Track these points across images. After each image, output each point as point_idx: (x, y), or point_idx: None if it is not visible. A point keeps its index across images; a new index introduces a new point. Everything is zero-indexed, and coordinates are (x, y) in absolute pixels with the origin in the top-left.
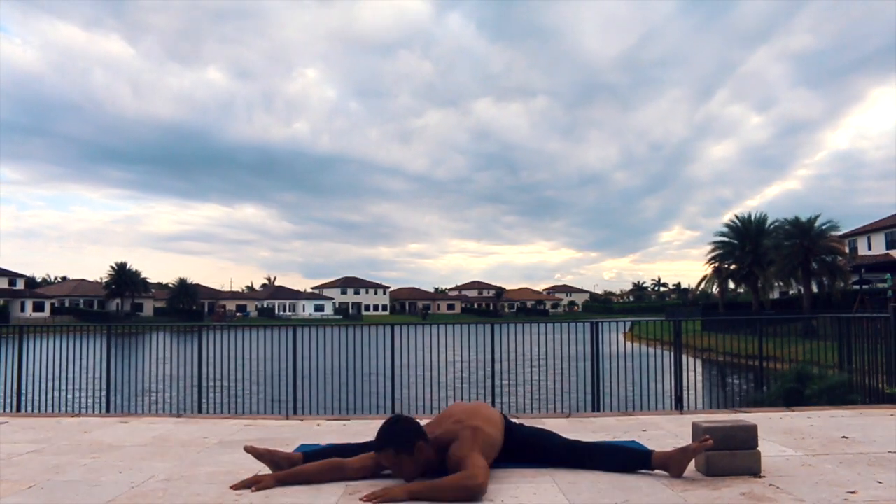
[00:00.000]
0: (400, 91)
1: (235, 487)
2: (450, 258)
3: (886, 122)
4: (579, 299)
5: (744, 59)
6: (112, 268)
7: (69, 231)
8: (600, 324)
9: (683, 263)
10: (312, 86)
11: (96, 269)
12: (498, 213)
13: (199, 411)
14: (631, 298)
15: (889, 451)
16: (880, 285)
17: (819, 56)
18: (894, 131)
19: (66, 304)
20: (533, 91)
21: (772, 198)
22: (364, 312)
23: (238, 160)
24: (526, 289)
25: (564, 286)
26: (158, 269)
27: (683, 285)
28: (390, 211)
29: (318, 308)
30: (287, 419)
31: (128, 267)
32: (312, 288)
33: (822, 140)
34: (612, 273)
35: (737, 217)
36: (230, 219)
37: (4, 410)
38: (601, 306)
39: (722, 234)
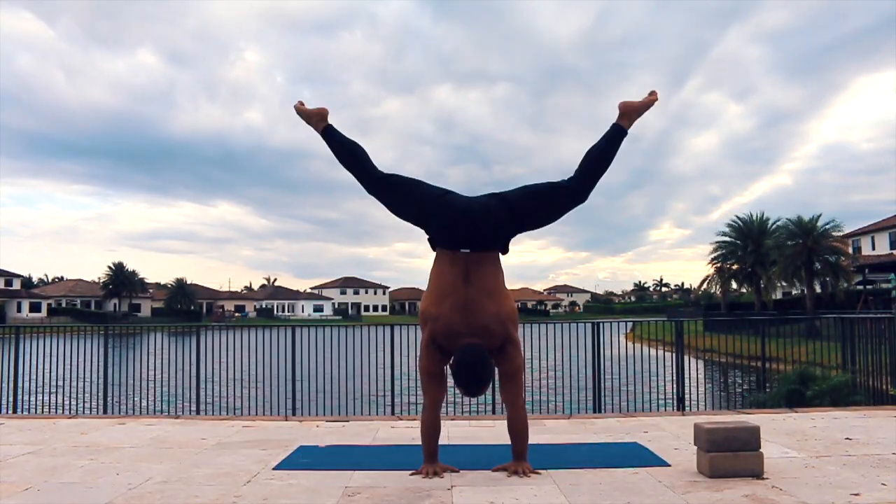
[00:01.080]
0: (351, 77)
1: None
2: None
3: (873, 112)
4: (580, 299)
5: (715, 39)
6: (109, 268)
7: (42, 229)
8: (601, 324)
9: (676, 263)
10: (255, 71)
11: (73, 269)
12: None
13: (197, 412)
14: (632, 298)
15: (893, 453)
16: (884, 285)
17: (795, 35)
18: (882, 121)
19: (63, 305)
20: (492, 77)
21: (761, 194)
22: (364, 313)
23: (197, 153)
24: (526, 289)
25: (565, 286)
26: (144, 269)
27: (678, 284)
28: (367, 208)
29: (318, 308)
30: (286, 420)
31: (125, 267)
32: (311, 288)
33: (807, 131)
34: (606, 273)
35: (738, 217)
36: (207, 216)
37: (0, 412)
38: (602, 306)
39: (724, 234)
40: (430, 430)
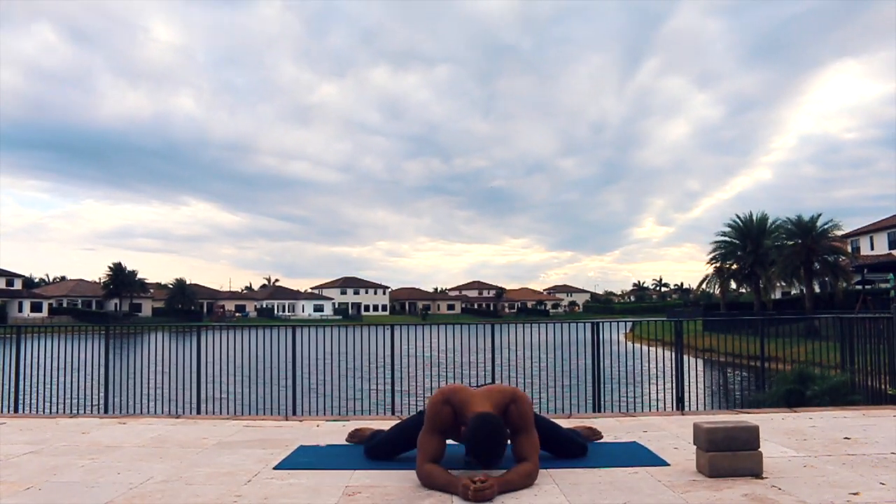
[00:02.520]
0: (277, 58)
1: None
2: (423, 256)
3: (848, 98)
4: (580, 299)
5: (666, 12)
6: (110, 268)
7: (12, 227)
8: (601, 324)
9: (664, 262)
10: (171, 51)
11: (61, 269)
12: (449, 206)
13: (198, 412)
14: (632, 298)
15: (892, 453)
16: (883, 285)
17: (755, 6)
18: (857, 108)
19: (64, 305)
20: (429, 58)
21: (742, 189)
22: (364, 313)
23: (138, 145)
24: (526, 289)
25: (565, 286)
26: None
27: (677, 284)
28: (334, 205)
29: (318, 308)
30: (286, 420)
31: (125, 267)
32: (311, 288)
33: (782, 120)
34: (595, 272)
35: (738, 216)
36: (178, 214)
37: (2, 411)
38: (602, 306)
39: (723, 234)
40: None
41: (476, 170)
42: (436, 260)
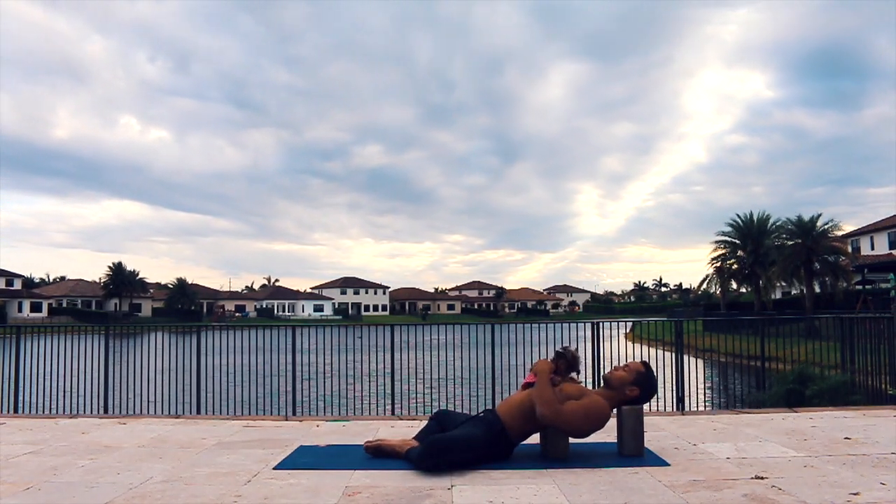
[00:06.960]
0: None
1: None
2: (369, 253)
3: (752, 36)
4: (580, 299)
5: None
6: (109, 268)
7: None
8: (601, 324)
9: (625, 264)
10: None
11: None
12: (344, 193)
13: (198, 412)
14: (632, 298)
15: (892, 453)
16: (883, 285)
17: None
18: (766, 48)
19: (64, 305)
20: None
21: (678, 173)
22: (364, 313)
23: None
24: (526, 289)
25: (565, 286)
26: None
27: (677, 284)
28: (225, 194)
29: (318, 308)
30: (286, 420)
31: (125, 267)
32: (311, 288)
33: (677, 72)
34: (552, 272)
35: (738, 216)
36: (74, 207)
37: (2, 411)
38: (602, 306)
39: (724, 234)
40: None
41: (339, 145)
42: (389, 259)
